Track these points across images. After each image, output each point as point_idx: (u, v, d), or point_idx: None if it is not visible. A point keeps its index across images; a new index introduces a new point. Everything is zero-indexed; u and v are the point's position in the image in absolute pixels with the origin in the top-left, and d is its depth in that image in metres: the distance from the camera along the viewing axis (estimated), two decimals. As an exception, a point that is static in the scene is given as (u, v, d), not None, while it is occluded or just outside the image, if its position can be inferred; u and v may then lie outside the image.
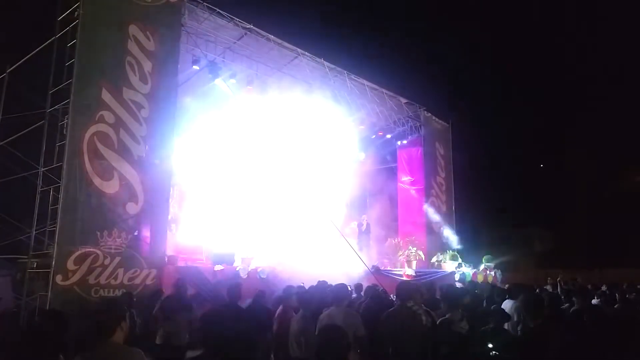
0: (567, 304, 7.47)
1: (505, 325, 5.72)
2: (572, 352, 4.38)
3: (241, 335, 3.12)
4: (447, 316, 5.24)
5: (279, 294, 6.92)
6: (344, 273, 12.23)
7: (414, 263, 15.50)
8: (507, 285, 9.53)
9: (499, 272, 17.35)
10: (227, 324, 4.50)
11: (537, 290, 9.38)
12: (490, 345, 4.38)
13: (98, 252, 8.62)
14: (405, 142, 19.01)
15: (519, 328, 6.23)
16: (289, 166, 13.37)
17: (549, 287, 11.11)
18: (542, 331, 4.70)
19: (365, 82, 16.09)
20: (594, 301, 8.24)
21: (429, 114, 18.83)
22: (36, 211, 9.30)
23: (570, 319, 6.10)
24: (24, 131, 9.83)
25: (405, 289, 5.41)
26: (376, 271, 13.62)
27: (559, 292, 9.64)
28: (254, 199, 13.69)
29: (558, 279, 11.39)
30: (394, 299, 6.54)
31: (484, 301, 7.41)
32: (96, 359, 3.20)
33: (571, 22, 26.62)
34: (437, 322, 5.16)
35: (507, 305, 6.83)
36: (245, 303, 7.37)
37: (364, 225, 15.84)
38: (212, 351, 3.03)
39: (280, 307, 6.34)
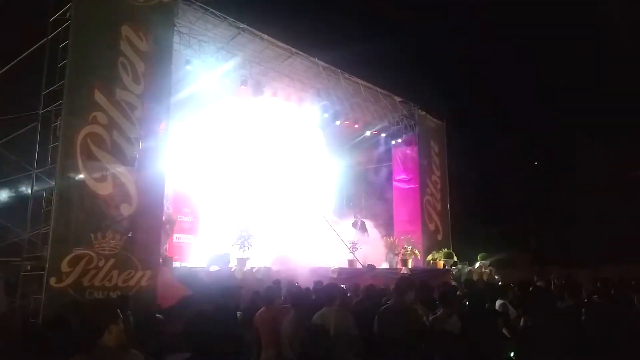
0: (561, 301, 7.49)
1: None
2: (568, 348, 4.42)
3: (230, 336, 3.12)
4: (437, 313, 5.28)
5: (265, 293, 6.80)
6: (337, 271, 12.33)
7: (409, 261, 15.55)
8: (500, 283, 9.56)
9: (494, 270, 17.40)
10: (216, 326, 4.48)
11: (531, 288, 9.40)
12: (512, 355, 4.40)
13: (92, 253, 8.58)
14: (399, 140, 19.05)
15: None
16: (281, 166, 13.40)
17: (541, 284, 11.15)
18: (538, 328, 4.73)
19: (359, 80, 16.10)
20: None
21: (423, 113, 18.86)
22: (29, 213, 9.27)
23: (565, 316, 6.13)
24: (17, 133, 9.78)
25: (404, 285, 5.43)
26: (371, 270, 13.69)
27: (553, 289, 9.67)
28: (247, 198, 13.71)
29: (552, 277, 11.41)
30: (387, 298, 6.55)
31: (480, 299, 7.44)
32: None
33: (569, 19, 26.64)
34: (430, 320, 5.20)
35: (500, 302, 6.87)
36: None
37: (358, 224, 15.83)
38: (199, 353, 3.02)
39: (264, 308, 6.17)
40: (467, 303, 6.80)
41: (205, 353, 2.94)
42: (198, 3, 11.56)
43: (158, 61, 10.22)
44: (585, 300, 7.33)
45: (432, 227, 18.39)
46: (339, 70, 15.30)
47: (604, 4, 24.42)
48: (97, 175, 8.96)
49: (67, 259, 8.30)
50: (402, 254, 15.56)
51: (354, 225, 15.78)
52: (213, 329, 3.21)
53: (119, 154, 9.30)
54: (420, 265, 16.42)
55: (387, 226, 18.17)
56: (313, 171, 16.74)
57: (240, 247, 11.24)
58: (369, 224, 16.62)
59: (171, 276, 9.77)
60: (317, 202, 13.94)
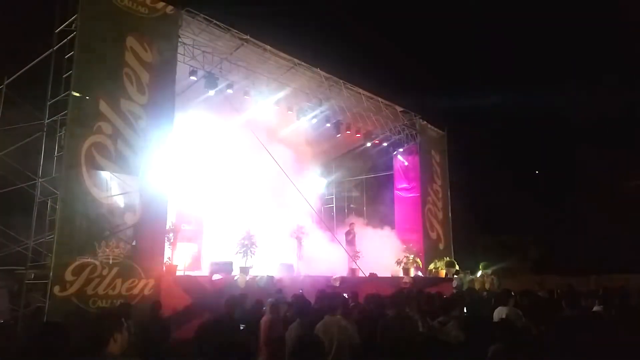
0: (563, 310, 7.50)
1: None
2: (574, 356, 4.44)
3: (238, 345, 3.16)
4: (434, 322, 5.31)
5: (270, 300, 6.88)
6: (339, 280, 12.34)
7: (411, 270, 15.55)
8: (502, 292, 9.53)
9: (496, 279, 17.39)
10: (225, 334, 4.52)
11: (535, 298, 9.40)
12: None
13: (96, 262, 8.63)
14: (401, 150, 19.11)
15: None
16: (284, 174, 13.45)
17: (542, 293, 11.17)
18: (545, 336, 4.76)
19: (361, 90, 16.19)
20: (596, 308, 8.27)
21: (425, 122, 18.94)
22: (34, 222, 9.32)
23: (569, 324, 6.14)
24: (22, 142, 9.87)
25: (403, 297, 5.48)
26: (374, 279, 13.70)
27: (555, 298, 9.69)
28: (250, 207, 13.76)
29: (554, 287, 11.45)
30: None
31: (482, 308, 7.48)
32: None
33: (569, 26, 26.80)
34: (430, 326, 5.24)
35: (501, 311, 6.88)
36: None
37: (352, 233, 15.71)
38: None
39: (269, 315, 6.24)
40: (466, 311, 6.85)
41: None
42: (202, 14, 11.67)
43: (162, 72, 10.34)
44: (594, 310, 7.34)
45: (433, 235, 18.40)
46: (341, 81, 15.40)
47: (606, 7, 24.55)
48: (101, 184, 9.04)
49: (71, 267, 8.36)
50: (404, 263, 15.57)
51: (346, 234, 15.62)
52: (225, 337, 3.23)
53: (123, 163, 9.39)
54: (423, 274, 16.41)
55: (389, 235, 18.17)
56: (315, 180, 16.81)
57: (243, 256, 11.27)
58: (365, 232, 16.58)
59: (174, 285, 9.81)
60: (318, 213, 13.95)
